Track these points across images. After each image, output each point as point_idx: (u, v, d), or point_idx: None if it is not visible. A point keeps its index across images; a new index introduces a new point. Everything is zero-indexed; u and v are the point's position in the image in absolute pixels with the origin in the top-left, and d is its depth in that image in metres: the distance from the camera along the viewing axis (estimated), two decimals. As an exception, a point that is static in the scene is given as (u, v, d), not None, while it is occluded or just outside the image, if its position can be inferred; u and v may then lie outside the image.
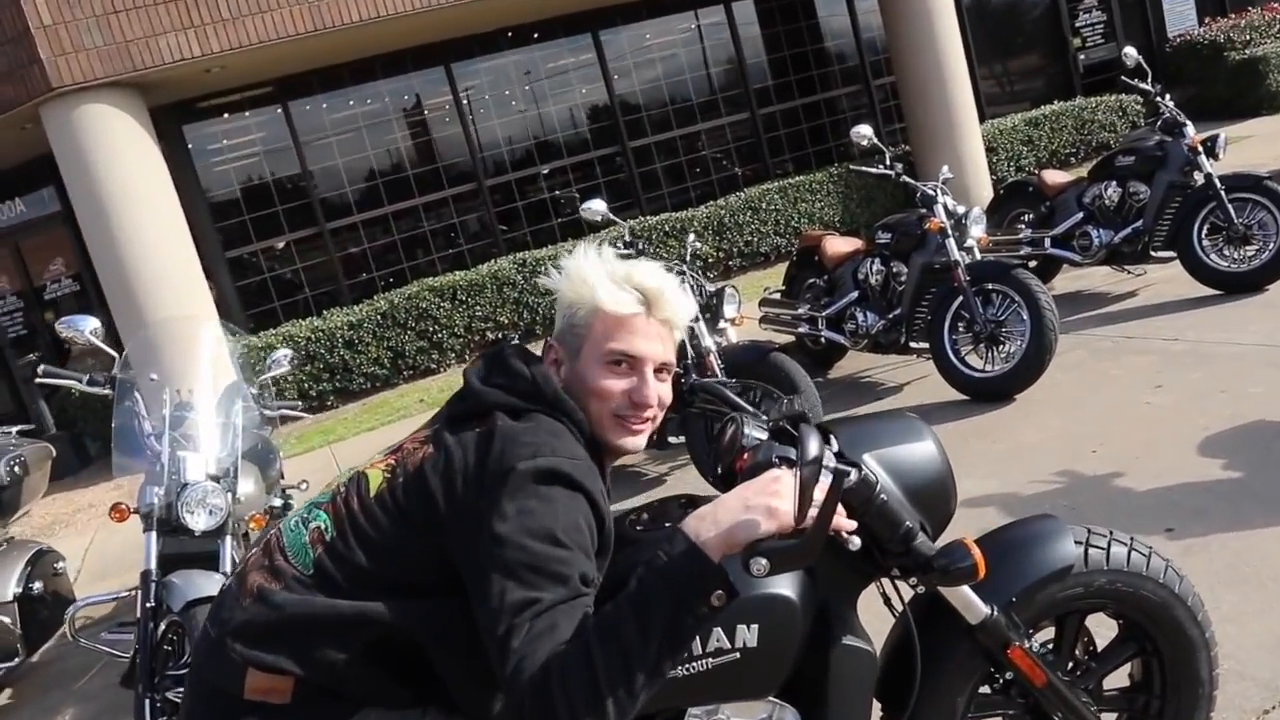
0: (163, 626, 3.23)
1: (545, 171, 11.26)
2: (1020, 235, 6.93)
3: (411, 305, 9.41)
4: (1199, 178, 5.94)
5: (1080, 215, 6.57)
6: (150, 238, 7.94)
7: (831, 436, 1.65)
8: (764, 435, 1.63)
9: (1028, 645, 1.70)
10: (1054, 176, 7.04)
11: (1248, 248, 5.84)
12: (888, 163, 5.58)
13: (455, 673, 1.45)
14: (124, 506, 3.38)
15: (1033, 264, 7.05)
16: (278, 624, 1.45)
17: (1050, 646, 1.85)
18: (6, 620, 4.26)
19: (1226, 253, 5.91)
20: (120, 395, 3.54)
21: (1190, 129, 6.02)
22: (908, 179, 5.49)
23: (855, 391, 5.94)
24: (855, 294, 5.94)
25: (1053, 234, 6.68)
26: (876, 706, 1.78)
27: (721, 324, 4.92)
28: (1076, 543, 1.77)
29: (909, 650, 1.68)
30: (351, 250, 10.59)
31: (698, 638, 1.44)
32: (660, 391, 1.61)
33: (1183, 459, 3.80)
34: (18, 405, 11.61)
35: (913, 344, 5.56)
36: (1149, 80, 6.27)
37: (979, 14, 13.30)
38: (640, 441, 1.62)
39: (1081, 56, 13.69)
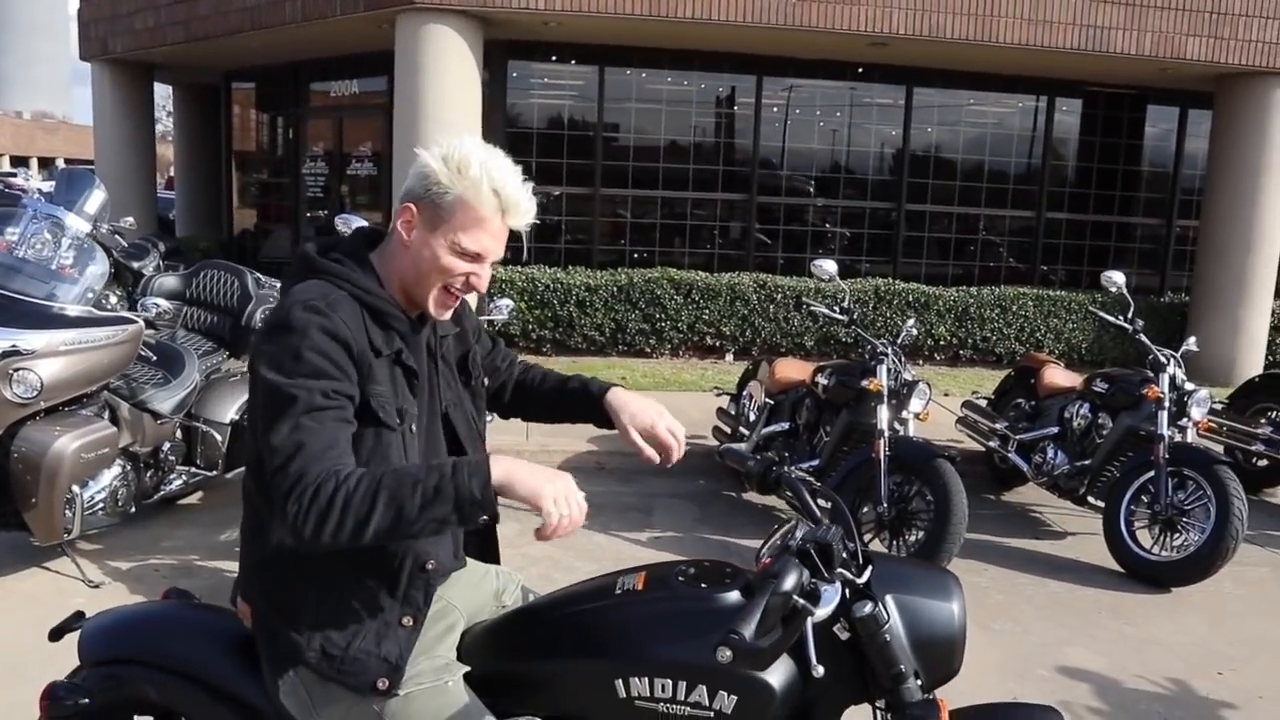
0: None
1: (817, 204, 11.44)
2: (1257, 430, 6.56)
3: (648, 288, 9.85)
4: None
5: None
6: (446, 154, 8.74)
7: (870, 567, 1.82)
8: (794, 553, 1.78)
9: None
10: None
11: None
12: (1129, 316, 5.46)
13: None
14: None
15: (1262, 463, 6.69)
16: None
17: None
18: (219, 437, 4.99)
19: None
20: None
21: None
22: (1144, 339, 5.36)
23: (1019, 522, 5.87)
24: (1055, 430, 5.85)
25: None
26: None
27: (905, 414, 5.01)
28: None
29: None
30: (614, 219, 11.17)
31: (686, 684, 1.70)
32: (487, 279, 1.82)
33: (1306, 716, 3.64)
34: (295, 255, 12.94)
35: (1090, 499, 5.44)
36: None
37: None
38: (445, 317, 1.85)
39: None
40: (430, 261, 1.77)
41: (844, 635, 1.76)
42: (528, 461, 1.64)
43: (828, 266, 5.28)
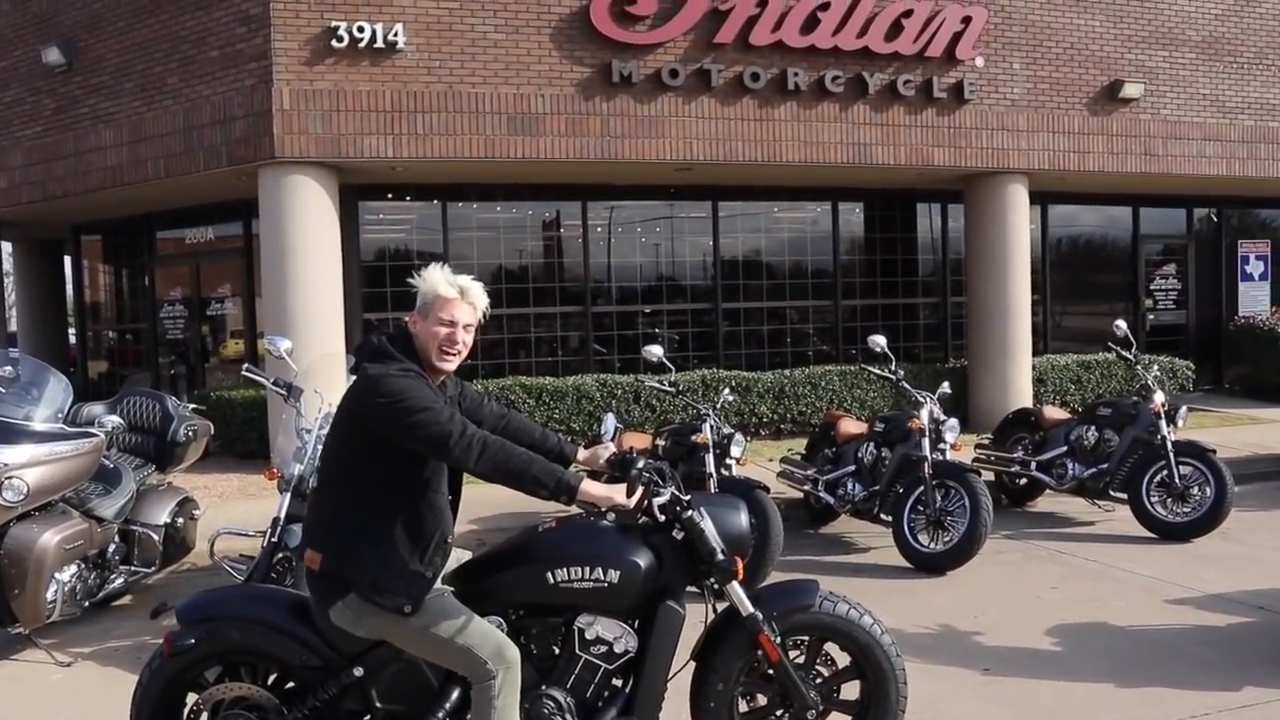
0: (278, 557, 4.71)
1: (646, 310, 12.88)
2: (1014, 455, 8.16)
3: (502, 394, 10.93)
4: (1159, 439, 7.14)
5: (1064, 449, 7.78)
6: (312, 289, 9.73)
7: (690, 495, 3.00)
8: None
9: (774, 637, 3.02)
10: (1052, 413, 8.28)
11: (1184, 505, 6.98)
12: (892, 369, 6.96)
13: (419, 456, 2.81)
14: (275, 470, 4.89)
15: (1022, 481, 8.26)
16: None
17: (802, 660, 3.16)
18: (156, 538, 5.79)
19: (1168, 505, 7.05)
20: (292, 397, 5.09)
21: (1159, 396, 7.22)
22: (905, 385, 6.85)
23: (832, 544, 7.19)
24: (852, 468, 7.23)
25: (1038, 459, 7.89)
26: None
27: (729, 460, 6.28)
28: (820, 596, 3.10)
29: (711, 633, 3.04)
30: (465, 336, 12.25)
31: (589, 567, 2.83)
32: (464, 339, 2.94)
33: (1030, 632, 5.00)
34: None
35: (883, 515, 6.80)
36: (1132, 351, 7.59)
37: (1060, 258, 14.68)
38: (450, 365, 2.93)
39: (1150, 316, 14.91)
40: (428, 331, 2.92)
41: (679, 536, 2.94)
42: (594, 481, 2.86)
43: (655, 350, 6.61)
